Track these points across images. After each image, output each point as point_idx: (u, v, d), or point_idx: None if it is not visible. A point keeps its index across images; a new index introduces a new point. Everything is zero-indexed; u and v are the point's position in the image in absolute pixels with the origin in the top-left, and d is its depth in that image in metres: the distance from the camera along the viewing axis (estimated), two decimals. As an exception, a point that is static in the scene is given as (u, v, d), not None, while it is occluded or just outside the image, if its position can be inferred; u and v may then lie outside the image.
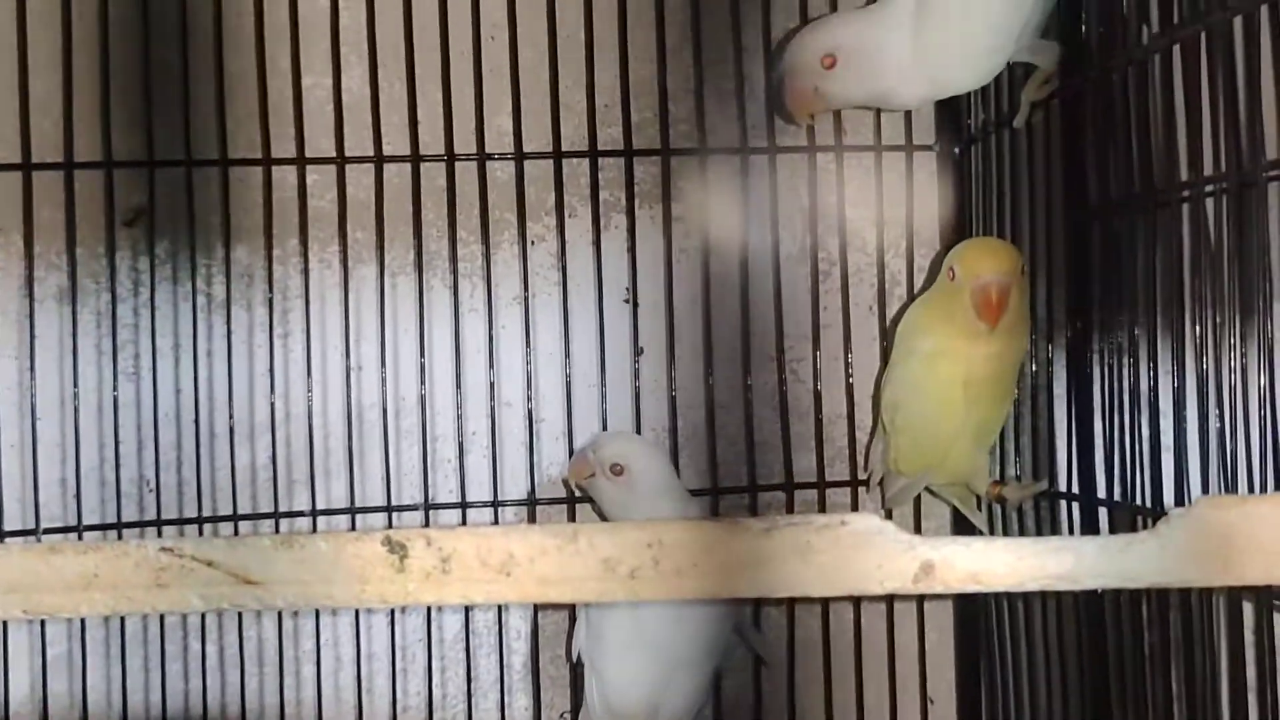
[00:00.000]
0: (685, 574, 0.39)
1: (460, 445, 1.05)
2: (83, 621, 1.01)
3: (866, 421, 1.10)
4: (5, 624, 0.97)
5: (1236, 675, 0.73)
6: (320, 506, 1.05)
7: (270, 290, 1.05)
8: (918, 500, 1.08)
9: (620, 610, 0.96)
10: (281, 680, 1.05)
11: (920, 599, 1.10)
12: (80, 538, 1.00)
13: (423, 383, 1.05)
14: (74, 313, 1.01)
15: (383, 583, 0.39)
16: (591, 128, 1.07)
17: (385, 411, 1.05)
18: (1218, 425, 0.74)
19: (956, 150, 1.09)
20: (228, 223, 1.04)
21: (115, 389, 1.02)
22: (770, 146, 1.08)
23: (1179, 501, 0.78)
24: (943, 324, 0.94)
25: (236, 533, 1.03)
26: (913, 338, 0.97)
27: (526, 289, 1.07)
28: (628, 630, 0.97)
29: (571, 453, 1.06)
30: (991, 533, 1.03)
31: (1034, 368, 0.98)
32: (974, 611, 1.08)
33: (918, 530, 1.09)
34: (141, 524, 1.03)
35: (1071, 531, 0.93)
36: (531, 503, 1.07)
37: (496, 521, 1.07)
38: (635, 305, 1.08)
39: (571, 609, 1.07)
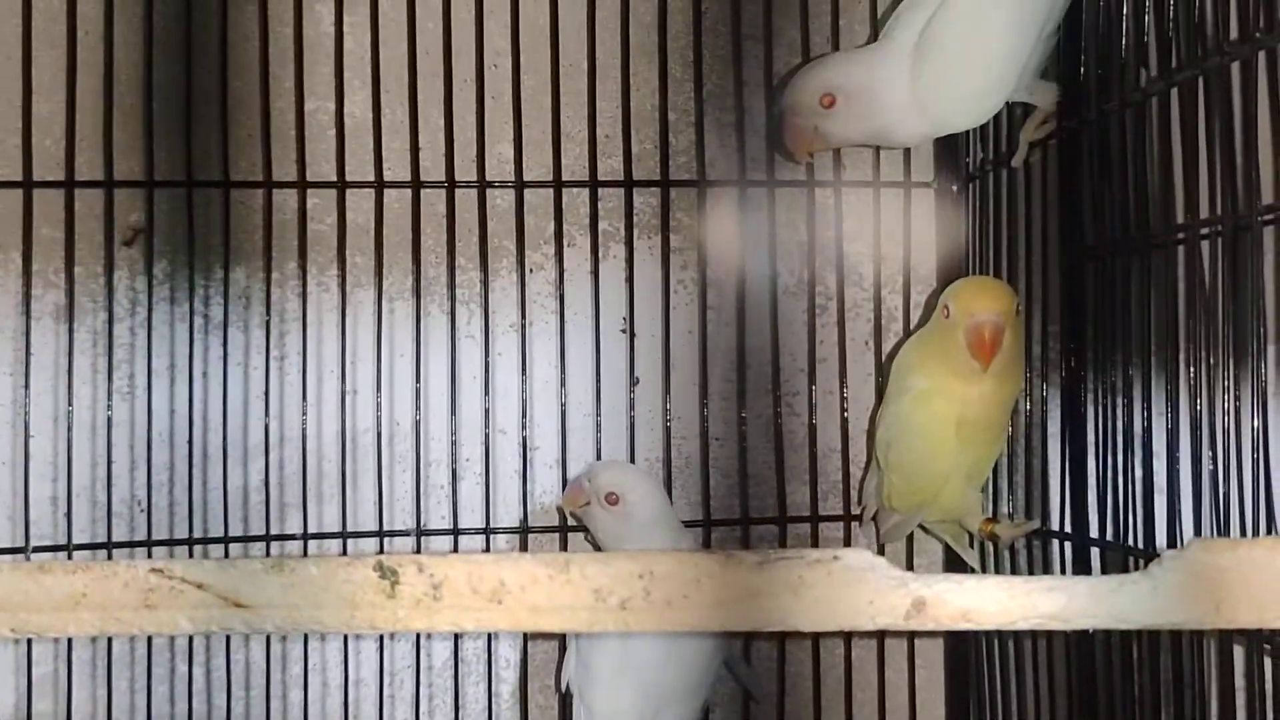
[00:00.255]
0: (676, 606, 0.39)
1: (454, 471, 1.05)
2: (70, 641, 1.00)
3: (861, 456, 1.10)
4: (-9, 642, 0.97)
5: (1226, 719, 0.73)
6: (312, 530, 1.05)
7: (268, 313, 1.05)
8: (910, 537, 1.08)
9: (610, 641, 0.96)
10: (268, 705, 1.04)
11: (911, 636, 1.09)
12: (70, 557, 1.00)
13: (418, 408, 1.05)
14: (70, 331, 1.01)
15: (373, 608, 0.39)
16: (592, 157, 1.08)
17: (379, 436, 1.05)
18: (1211, 467, 0.74)
19: (954, 188, 1.10)
20: (227, 244, 1.04)
21: (109, 408, 1.01)
22: (769, 180, 1.09)
23: (1171, 543, 0.78)
24: (937, 362, 0.94)
25: (227, 555, 1.03)
26: (907, 375, 0.97)
27: (524, 317, 1.07)
28: (617, 661, 0.97)
29: (565, 481, 1.06)
30: (983, 570, 1.03)
31: (1028, 406, 0.98)
32: (965, 649, 1.08)
33: (910, 567, 1.09)
34: (132, 544, 1.03)
35: (1063, 571, 0.93)
36: (524, 531, 1.07)
37: (488, 549, 1.06)
38: (632, 335, 1.08)
39: (561, 639, 1.06)
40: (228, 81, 1.04)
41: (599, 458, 1.06)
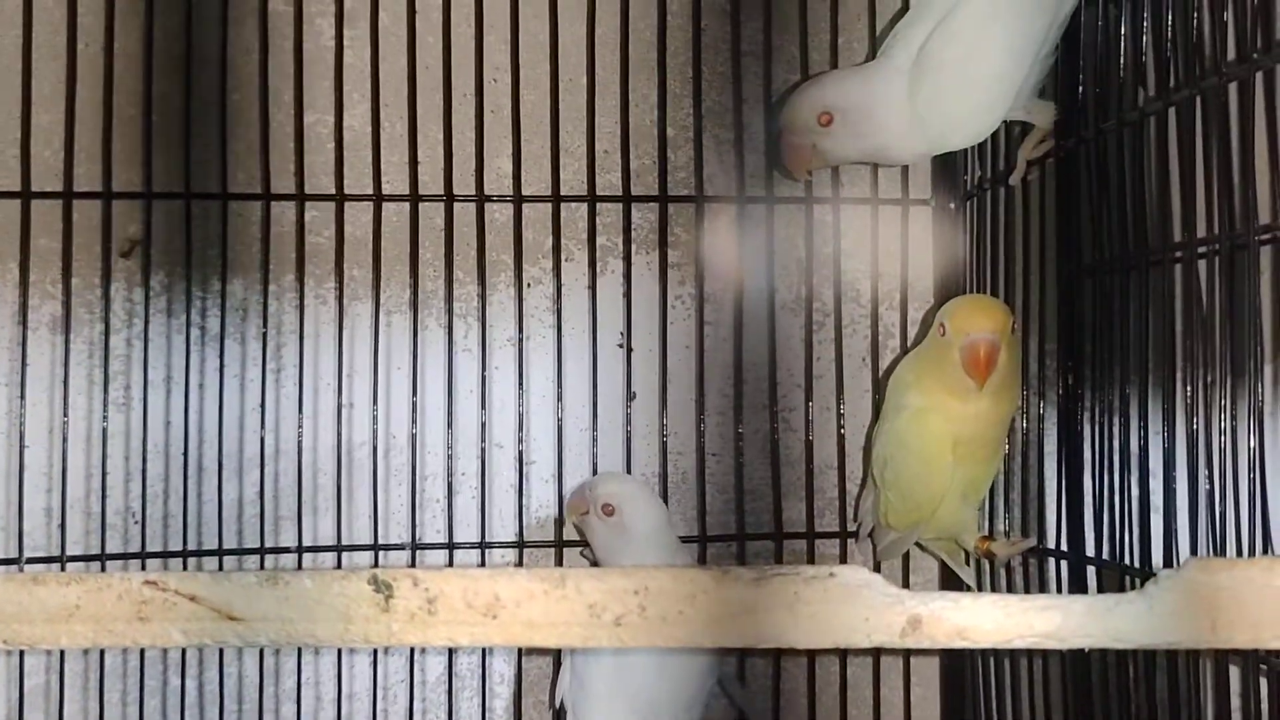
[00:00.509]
0: (671, 622, 0.39)
1: (449, 485, 1.05)
2: (61, 653, 1.00)
3: (857, 473, 1.10)
4: (-17, 654, 0.96)
5: (1223, 739, 0.72)
6: (307, 543, 1.04)
7: (265, 325, 1.05)
8: (906, 554, 1.07)
9: (605, 657, 0.96)
10: (261, 718, 1.03)
11: (907, 653, 1.09)
12: (64, 568, 1.00)
13: (414, 422, 1.05)
14: (67, 342, 1.01)
15: (367, 622, 0.39)
16: (591, 172, 1.08)
17: (375, 449, 1.05)
18: (1207, 486, 0.74)
19: (952, 206, 1.10)
20: (225, 256, 1.04)
21: (105, 419, 1.01)
22: (768, 196, 1.09)
23: (1167, 562, 0.78)
24: (933, 380, 0.94)
25: (221, 567, 1.02)
26: (903, 393, 0.97)
27: (521, 331, 1.07)
28: (611, 678, 0.96)
29: (561, 496, 1.06)
30: (979, 589, 1.03)
31: (1025, 424, 0.98)
32: (960, 667, 1.07)
33: (906, 584, 1.09)
34: (125, 556, 1.02)
35: (1059, 589, 0.93)
36: (520, 545, 1.07)
37: (483, 563, 1.06)
38: (629, 350, 1.08)
39: (556, 654, 1.06)
40: (227, 94, 1.04)
41: (595, 473, 1.05)
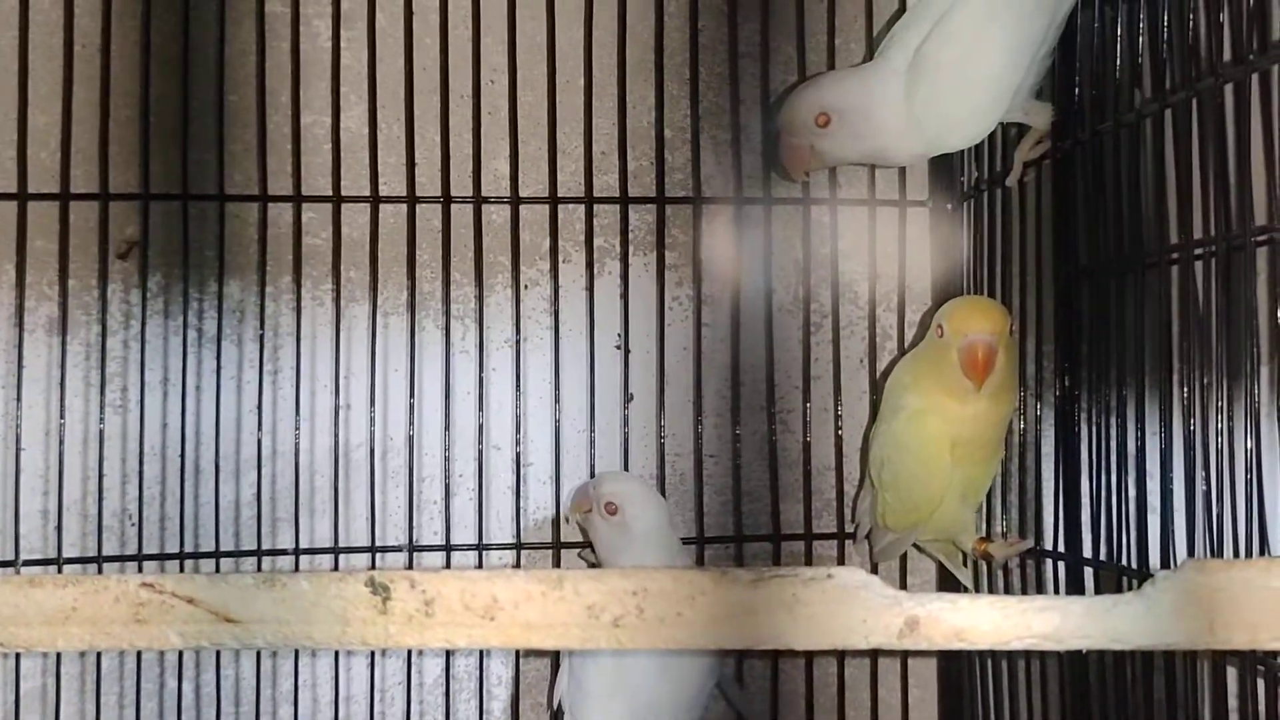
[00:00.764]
0: (670, 623, 0.39)
1: (447, 487, 1.05)
2: (58, 656, 1.00)
3: (855, 474, 1.10)
4: (-20, 656, 0.96)
5: (1220, 740, 0.73)
6: (304, 545, 1.04)
7: (261, 326, 1.05)
8: (904, 555, 1.07)
9: (603, 659, 0.95)
10: (258, 721, 1.03)
11: (905, 655, 1.09)
12: (60, 570, 0.99)
13: (411, 423, 1.05)
14: (63, 344, 1.01)
15: (364, 624, 0.39)
16: (588, 174, 1.08)
17: (373, 451, 1.04)
18: (1204, 487, 0.74)
19: (949, 207, 1.10)
20: (222, 258, 1.04)
21: (102, 421, 1.01)
22: (765, 197, 1.09)
23: (1165, 563, 0.78)
24: (930, 382, 0.94)
25: (218, 569, 1.02)
26: (901, 394, 0.97)
27: (518, 332, 1.07)
28: (610, 679, 0.96)
29: (559, 498, 1.06)
30: (977, 590, 1.03)
31: (1022, 426, 0.98)
32: (958, 669, 1.07)
33: (903, 586, 1.09)
34: (122, 558, 1.02)
35: (1057, 590, 0.93)
36: (518, 547, 1.07)
37: (481, 565, 1.06)
38: (626, 352, 1.08)
39: (554, 656, 1.06)
40: (224, 95, 1.04)
41: (593, 474, 1.05)
